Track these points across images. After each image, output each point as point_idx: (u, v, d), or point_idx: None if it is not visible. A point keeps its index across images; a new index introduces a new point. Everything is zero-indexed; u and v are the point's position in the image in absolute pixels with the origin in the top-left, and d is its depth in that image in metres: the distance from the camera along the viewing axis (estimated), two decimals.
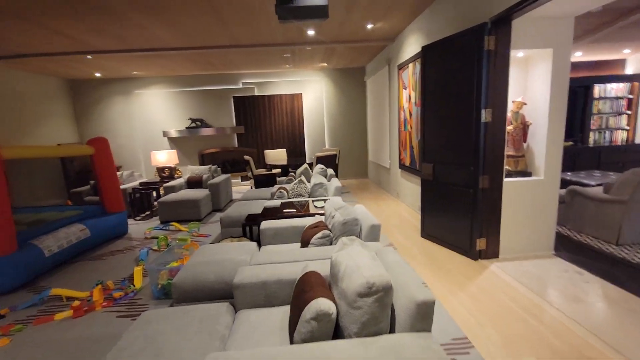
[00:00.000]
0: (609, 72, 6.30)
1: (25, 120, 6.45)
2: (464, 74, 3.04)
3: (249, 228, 3.38)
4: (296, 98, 7.98)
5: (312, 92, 8.04)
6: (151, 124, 7.94)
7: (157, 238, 4.36)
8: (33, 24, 4.02)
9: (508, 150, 3.26)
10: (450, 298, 2.57)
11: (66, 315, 2.53)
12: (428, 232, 3.81)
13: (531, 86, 3.22)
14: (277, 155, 7.75)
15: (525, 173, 3.20)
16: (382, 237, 3.99)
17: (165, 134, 7.69)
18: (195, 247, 3.52)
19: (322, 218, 2.83)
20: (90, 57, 5.56)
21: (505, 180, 3.11)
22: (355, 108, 8.18)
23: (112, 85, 7.75)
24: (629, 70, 6.26)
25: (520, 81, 3.30)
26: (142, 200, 5.74)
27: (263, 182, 6.14)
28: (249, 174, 6.55)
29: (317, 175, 4.30)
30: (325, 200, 3.66)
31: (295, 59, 6.70)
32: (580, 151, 6.05)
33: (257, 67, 7.28)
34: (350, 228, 2.33)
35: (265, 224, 2.94)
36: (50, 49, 5.02)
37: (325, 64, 7.41)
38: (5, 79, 6.03)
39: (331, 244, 2.41)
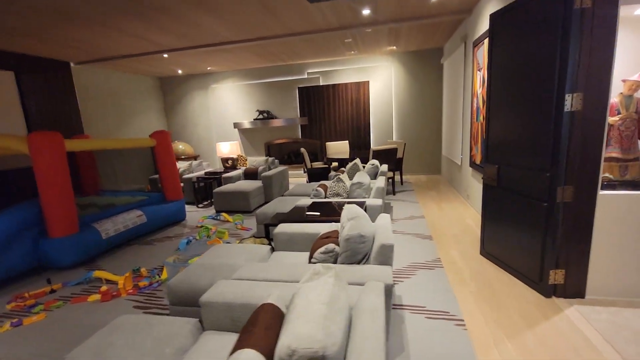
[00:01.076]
0: None
1: (123, 114, 7.51)
2: (543, 47, 2.22)
3: (272, 229, 3.19)
4: (362, 86, 7.47)
5: (380, 79, 7.41)
6: (224, 116, 8.45)
7: (204, 227, 4.55)
8: (112, 29, 4.49)
9: (611, 151, 2.31)
10: (492, 352, 1.93)
11: (96, 299, 2.73)
12: (489, 250, 3.05)
13: None
14: (338, 148, 7.43)
15: (638, 184, 2.22)
16: (432, 249, 3.38)
17: (235, 125, 8.08)
18: (218, 243, 3.50)
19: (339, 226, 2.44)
20: (166, 55, 6.08)
21: (601, 193, 2.21)
22: (429, 95, 7.27)
23: (192, 80, 8.45)
24: None
25: (638, 52, 2.28)
26: (205, 189, 6.12)
27: (317, 176, 5.92)
28: (305, 167, 6.40)
29: (362, 173, 3.85)
30: (356, 204, 3.22)
31: (358, 44, 6.20)
32: None
33: (320, 55, 7.01)
34: (354, 246, 1.91)
35: (280, 228, 2.69)
36: (131, 50, 5.62)
37: (394, 47, 6.70)
38: (103, 79, 7.06)
39: (335, 261, 2.03)
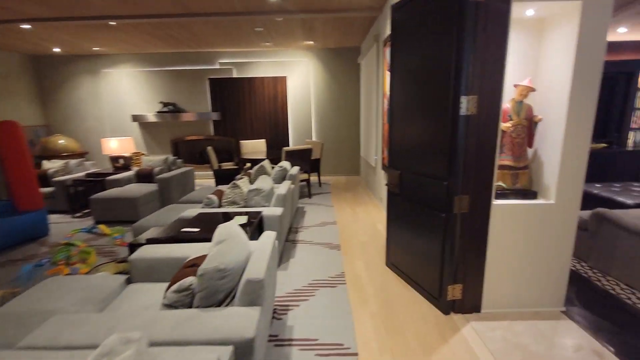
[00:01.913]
0: None
1: None
2: (440, 43, 2.02)
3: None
4: (279, 82, 7.01)
5: (298, 76, 7.04)
6: (120, 108, 7.21)
7: (66, 246, 3.61)
8: None
9: (504, 159, 2.23)
10: None
11: None
12: (394, 261, 2.86)
13: (545, 64, 2.16)
14: (255, 147, 6.87)
15: (528, 192, 2.17)
16: (338, 261, 3.08)
17: (135, 118, 6.94)
18: (64, 273, 2.72)
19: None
20: (28, 26, 4.80)
21: (496, 202, 2.10)
22: (348, 95, 7.14)
23: (77, 62, 7.03)
24: None
25: (530, 56, 2.23)
26: (85, 194, 5.02)
27: (226, 178, 5.29)
28: (212, 168, 5.70)
29: (264, 178, 3.39)
30: (247, 214, 2.75)
31: (272, 35, 5.72)
32: (616, 156, 4.84)
33: (232, 44, 6.35)
34: (212, 284, 1.43)
35: (139, 252, 2.08)
36: None
37: (312, 42, 6.38)
38: None
39: (191, 304, 1.52)
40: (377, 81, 4.88)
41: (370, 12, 4.49)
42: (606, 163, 4.80)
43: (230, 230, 1.73)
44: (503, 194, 2.17)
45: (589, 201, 3.53)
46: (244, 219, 2.60)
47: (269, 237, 1.92)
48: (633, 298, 2.35)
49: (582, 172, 2.07)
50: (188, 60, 7.01)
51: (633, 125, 4.93)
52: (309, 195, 5.53)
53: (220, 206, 3.19)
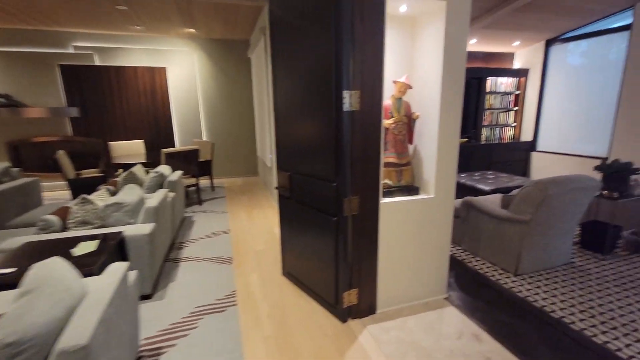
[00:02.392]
0: (500, 65, 6.06)
1: None
2: (319, 36, 1.85)
3: None
4: (158, 73, 6.09)
5: (181, 67, 6.24)
6: None
7: None
8: None
9: (388, 156, 2.22)
10: None
11: None
12: (290, 269, 2.64)
13: (419, 62, 2.22)
14: (129, 149, 5.82)
15: (412, 188, 2.21)
16: (229, 278, 2.70)
17: None
18: None
19: None
20: None
21: (383, 201, 2.07)
22: (240, 91, 6.68)
23: None
24: (517, 64, 6.11)
25: (406, 53, 2.27)
26: None
27: (87, 189, 4.28)
28: (66, 177, 4.56)
29: (131, 187, 2.75)
30: (100, 237, 2.14)
31: (141, 18, 4.85)
32: (474, 149, 5.67)
33: (90, 24, 5.19)
34: None
35: None
36: None
37: (193, 30, 5.70)
38: None
39: None
40: (268, 76, 4.61)
41: (253, 1, 4.17)
42: (467, 155, 5.60)
43: (47, 273, 1.21)
44: (390, 192, 2.16)
45: (457, 190, 3.99)
46: (93, 245, 2.00)
47: (116, 271, 1.44)
48: (496, 275, 2.67)
49: (455, 165, 2.20)
50: (28, 41, 5.47)
51: (484, 123, 5.88)
52: (199, 202, 4.93)
53: (65, 229, 2.45)
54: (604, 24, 4.74)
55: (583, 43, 5.09)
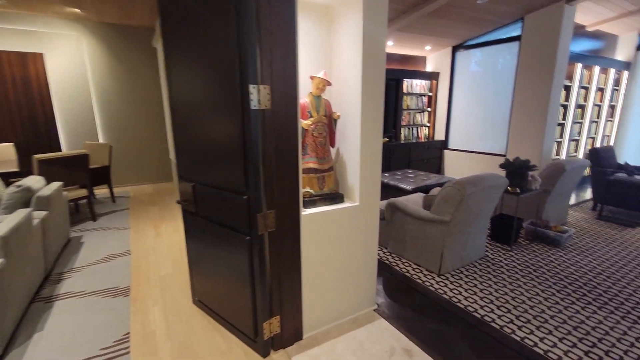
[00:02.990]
0: (415, 67, 6.38)
1: None
2: (219, 20, 1.51)
3: None
4: (33, 60, 4.93)
5: (65, 55, 5.16)
6: None
7: None
8: None
9: (308, 162, 1.98)
10: None
11: None
12: (201, 297, 2.23)
13: (337, 57, 2.03)
14: None
15: (336, 196, 2.01)
16: (123, 317, 2.17)
17: None
18: None
19: None
20: None
21: (305, 212, 1.82)
22: (147, 85, 5.82)
23: None
24: (429, 67, 6.51)
25: (324, 47, 2.05)
26: None
27: None
28: None
29: None
30: None
31: None
32: (395, 148, 5.85)
33: None
34: None
35: None
36: None
37: (78, 10, 4.73)
38: None
39: None
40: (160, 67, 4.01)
41: None
42: (389, 154, 5.75)
43: None
44: (312, 201, 1.92)
45: (381, 190, 3.99)
46: None
47: None
48: (422, 277, 2.65)
49: (379, 168, 2.06)
50: None
51: (403, 123, 6.13)
52: (93, 218, 4.09)
53: None
54: (498, 34, 5.27)
55: (483, 50, 5.61)
